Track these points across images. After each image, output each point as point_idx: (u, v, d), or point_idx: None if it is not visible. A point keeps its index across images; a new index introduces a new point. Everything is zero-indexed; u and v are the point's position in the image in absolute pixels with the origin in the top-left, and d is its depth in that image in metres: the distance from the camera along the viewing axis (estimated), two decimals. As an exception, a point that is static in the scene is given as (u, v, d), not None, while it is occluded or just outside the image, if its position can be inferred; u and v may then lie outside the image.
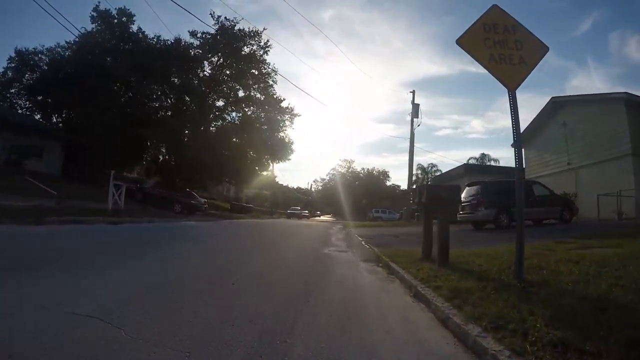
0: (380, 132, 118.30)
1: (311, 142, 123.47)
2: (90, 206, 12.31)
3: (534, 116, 20.60)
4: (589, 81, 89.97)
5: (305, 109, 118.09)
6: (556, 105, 19.36)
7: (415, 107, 20.88)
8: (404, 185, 66.42)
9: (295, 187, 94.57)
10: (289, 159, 31.27)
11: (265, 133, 28.29)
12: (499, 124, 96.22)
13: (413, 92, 21.46)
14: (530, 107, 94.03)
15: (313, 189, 70.01)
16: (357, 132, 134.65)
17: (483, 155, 42.71)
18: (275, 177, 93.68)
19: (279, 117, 29.41)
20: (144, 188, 22.58)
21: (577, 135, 18.30)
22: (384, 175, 59.91)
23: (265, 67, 27.15)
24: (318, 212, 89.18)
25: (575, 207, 12.58)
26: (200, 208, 21.05)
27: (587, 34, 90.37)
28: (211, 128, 27.15)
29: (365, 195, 60.34)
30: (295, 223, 23.83)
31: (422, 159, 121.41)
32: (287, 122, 29.27)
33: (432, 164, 44.05)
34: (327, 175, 64.88)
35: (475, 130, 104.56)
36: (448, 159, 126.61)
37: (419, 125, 21.09)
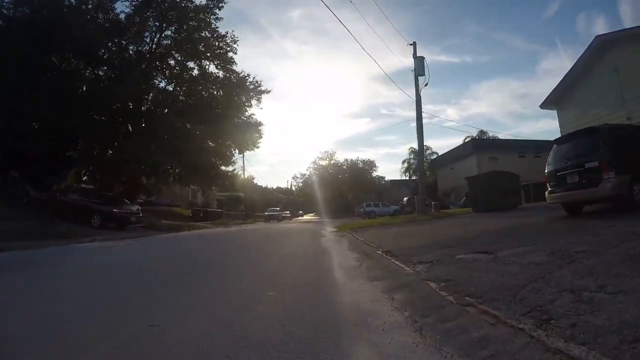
0: (355, 127, 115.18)
1: (286, 143, 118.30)
2: None
3: (574, 63, 15.86)
4: (559, 62, 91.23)
5: (279, 109, 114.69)
6: (604, 45, 14.68)
7: (420, 61, 15.63)
8: (389, 177, 62.38)
9: (274, 187, 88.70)
10: (258, 146, 25.51)
11: (226, 117, 22.42)
12: (474, 110, 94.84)
13: (414, 43, 16.21)
14: (501, 93, 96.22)
15: (293, 187, 63.77)
16: (333, 128, 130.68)
17: (482, 133, 38.44)
18: (253, 178, 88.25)
19: (243, 98, 23.61)
20: (60, 197, 16.31)
21: (636, 81, 13.69)
22: (370, 165, 54.81)
23: (217, 25, 21.19)
24: (301, 212, 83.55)
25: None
26: (127, 219, 15.02)
27: (555, 16, 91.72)
28: (155, 110, 20.95)
29: (350, 189, 55.28)
30: (271, 229, 18.26)
31: (398, 150, 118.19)
32: (253, 101, 23.54)
33: (426, 146, 39.22)
34: (307, 169, 58.97)
35: (451, 118, 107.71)
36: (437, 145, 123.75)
37: (426, 85, 15.88)
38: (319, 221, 33.19)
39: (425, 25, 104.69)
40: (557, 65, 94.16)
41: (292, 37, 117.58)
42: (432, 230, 8.88)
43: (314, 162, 56.61)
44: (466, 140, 36.48)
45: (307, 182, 57.74)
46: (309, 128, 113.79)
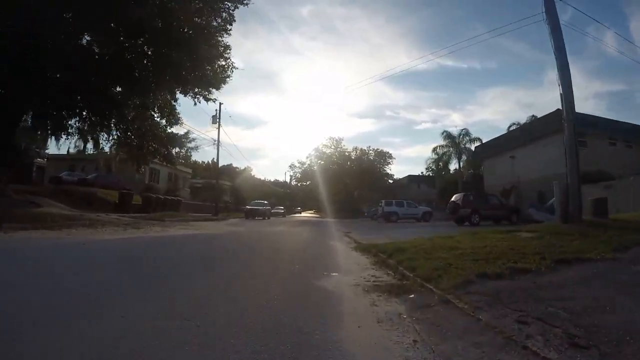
0: (359, 127, 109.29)
1: (289, 139, 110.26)
2: None
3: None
4: None
5: (283, 104, 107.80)
6: None
7: None
8: (396, 176, 52.90)
9: (272, 180, 79.28)
10: (229, 78, 15.39)
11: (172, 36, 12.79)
12: (479, 116, 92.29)
13: None
14: (506, 100, 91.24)
15: (291, 177, 53.70)
16: (337, 127, 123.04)
17: (532, 117, 28.57)
18: (251, 170, 78.84)
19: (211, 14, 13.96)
20: None
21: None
22: (383, 157, 44.68)
23: None
24: (298, 208, 73.93)
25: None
26: None
27: (564, 27, 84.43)
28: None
29: (358, 184, 45.80)
30: (216, 240, 8.78)
31: (401, 152, 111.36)
32: (226, 17, 13.91)
33: (464, 129, 29.18)
34: (307, 158, 49.13)
35: (456, 124, 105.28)
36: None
37: None
38: (320, 222, 23.93)
39: (435, 28, 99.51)
40: None
41: (300, 32, 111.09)
42: None
43: (317, 150, 46.79)
44: (526, 122, 26.58)
45: (307, 173, 48.01)
46: (312, 125, 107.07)
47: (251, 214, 24.96)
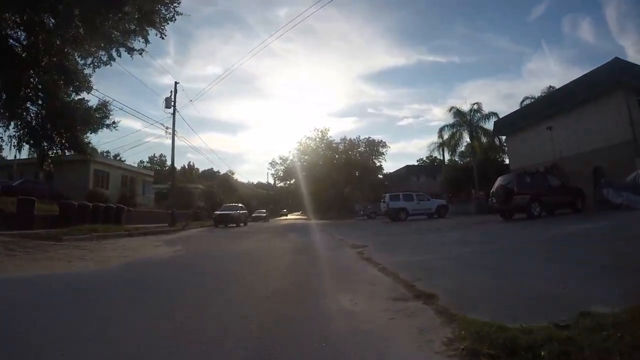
0: (341, 126, 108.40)
1: (271, 144, 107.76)
2: None
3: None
4: (544, 64, 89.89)
5: (264, 107, 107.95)
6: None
7: None
8: (387, 170, 48.23)
9: (255, 183, 73.57)
10: (171, 20, 10.18)
11: None
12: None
13: None
14: (486, 92, 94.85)
15: (272, 176, 47.65)
16: (319, 127, 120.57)
17: (550, 88, 24.37)
18: (233, 174, 73.12)
19: None
20: None
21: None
22: (375, 147, 39.76)
23: None
24: (284, 211, 68.70)
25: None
26: None
27: (541, 18, 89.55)
28: None
29: (348, 180, 41.02)
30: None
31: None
32: None
33: (476, 103, 24.04)
34: (289, 152, 43.73)
35: (437, 118, 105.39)
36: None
37: None
38: (308, 226, 18.69)
39: (414, 25, 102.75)
40: (542, 66, 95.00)
41: (278, 34, 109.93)
42: None
43: (300, 143, 41.55)
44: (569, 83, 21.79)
45: (290, 171, 42.73)
46: (295, 126, 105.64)
47: (221, 221, 19.79)
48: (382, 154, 39.33)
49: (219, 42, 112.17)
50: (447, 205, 19.00)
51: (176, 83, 20.36)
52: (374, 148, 39.56)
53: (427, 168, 38.39)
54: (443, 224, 13.39)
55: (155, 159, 74.64)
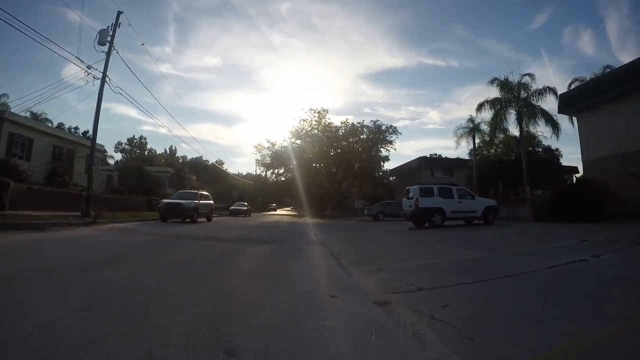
0: (336, 123, 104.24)
1: (268, 135, 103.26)
2: None
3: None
4: (544, 72, 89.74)
5: (261, 101, 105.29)
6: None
7: None
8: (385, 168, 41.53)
9: (244, 173, 66.86)
10: None
11: None
12: (455, 114, 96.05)
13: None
14: (483, 98, 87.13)
15: (257, 162, 39.97)
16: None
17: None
18: (222, 163, 66.52)
19: None
20: None
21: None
22: (383, 135, 33.32)
23: None
24: (273, 205, 62.35)
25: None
26: None
27: (542, 27, 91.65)
28: None
29: (348, 173, 35.02)
30: None
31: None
32: None
33: (529, 73, 17.47)
34: (283, 138, 37.12)
35: (433, 121, 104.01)
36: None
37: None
38: (297, 227, 12.19)
39: (415, 26, 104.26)
40: (541, 75, 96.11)
41: (278, 29, 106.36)
42: None
43: (293, 127, 34.98)
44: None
45: (280, 158, 36.26)
46: (291, 122, 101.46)
47: (170, 212, 13.61)
48: (391, 142, 33.12)
49: (218, 32, 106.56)
50: (497, 208, 13.16)
51: (119, 13, 14.09)
52: (380, 136, 33.37)
53: (445, 162, 32.49)
54: (519, 240, 7.57)
55: (135, 140, 67.66)
